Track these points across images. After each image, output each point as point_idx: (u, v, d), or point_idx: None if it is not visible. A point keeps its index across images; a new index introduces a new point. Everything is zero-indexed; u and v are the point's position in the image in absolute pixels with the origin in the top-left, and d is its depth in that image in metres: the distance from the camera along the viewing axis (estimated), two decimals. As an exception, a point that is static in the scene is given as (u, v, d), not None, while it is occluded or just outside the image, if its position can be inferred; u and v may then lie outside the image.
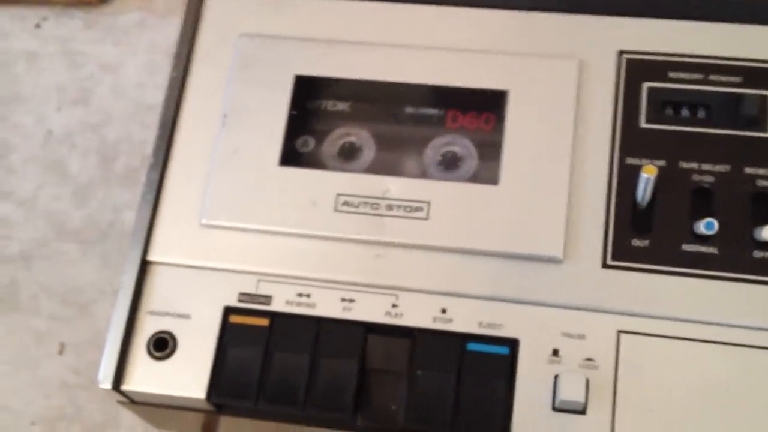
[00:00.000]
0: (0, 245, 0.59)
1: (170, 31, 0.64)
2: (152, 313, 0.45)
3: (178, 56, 0.50)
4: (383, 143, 0.48)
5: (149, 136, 0.62)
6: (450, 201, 0.45)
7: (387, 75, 0.48)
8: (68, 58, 0.64)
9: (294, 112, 0.48)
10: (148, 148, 0.61)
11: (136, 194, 0.59)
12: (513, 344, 0.42)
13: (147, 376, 0.44)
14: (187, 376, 0.44)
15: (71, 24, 0.65)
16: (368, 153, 0.48)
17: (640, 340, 0.42)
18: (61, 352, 0.56)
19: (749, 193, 0.44)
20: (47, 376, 0.55)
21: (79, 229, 0.59)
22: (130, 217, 0.59)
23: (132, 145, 0.61)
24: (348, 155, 0.48)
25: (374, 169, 0.47)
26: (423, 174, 0.47)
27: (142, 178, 0.60)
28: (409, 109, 0.49)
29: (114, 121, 0.62)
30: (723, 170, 0.44)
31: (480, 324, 0.43)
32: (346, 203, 0.46)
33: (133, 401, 0.46)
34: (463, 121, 0.48)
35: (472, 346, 0.42)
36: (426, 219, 0.45)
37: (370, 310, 0.44)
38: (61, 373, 0.55)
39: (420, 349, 0.43)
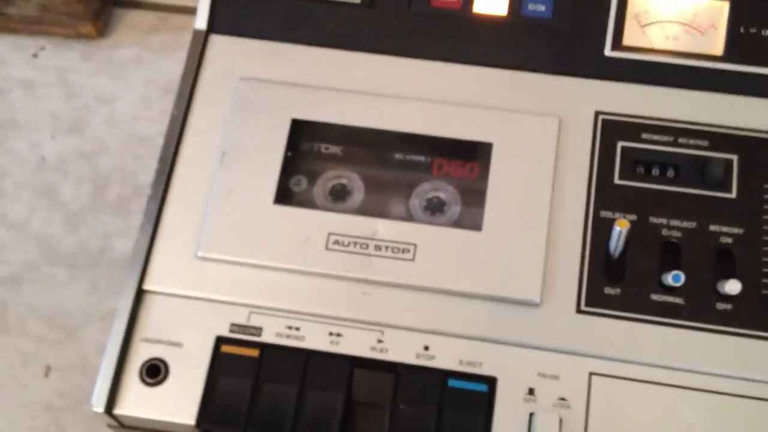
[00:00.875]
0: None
1: (165, 66, 0.66)
2: (146, 340, 0.47)
3: (180, 94, 0.52)
4: (372, 186, 0.51)
5: (141, 167, 0.64)
6: (435, 244, 0.47)
7: (379, 123, 0.51)
8: (64, 88, 0.66)
9: (290, 154, 0.50)
10: (140, 179, 0.63)
11: (127, 223, 0.62)
12: (491, 382, 0.45)
13: (138, 401, 0.46)
14: (177, 403, 0.45)
15: (69, 55, 0.67)
16: (358, 195, 0.51)
17: (611, 383, 0.45)
18: (47, 375, 0.57)
19: (713, 249, 0.47)
20: (33, 397, 0.56)
21: (69, 254, 0.61)
22: (120, 245, 0.61)
23: (124, 175, 0.63)
24: (339, 196, 0.51)
25: (364, 210, 0.50)
26: (410, 217, 0.50)
27: (133, 207, 0.62)
28: (398, 156, 0.52)
29: (107, 151, 0.64)
30: (690, 226, 0.47)
31: (460, 362, 0.45)
32: (336, 242, 0.48)
33: (123, 425, 0.47)
34: (449, 169, 0.51)
35: (453, 383, 0.45)
36: (412, 260, 0.47)
37: (356, 344, 0.46)
38: (46, 395, 0.56)
39: (403, 384, 0.45)
